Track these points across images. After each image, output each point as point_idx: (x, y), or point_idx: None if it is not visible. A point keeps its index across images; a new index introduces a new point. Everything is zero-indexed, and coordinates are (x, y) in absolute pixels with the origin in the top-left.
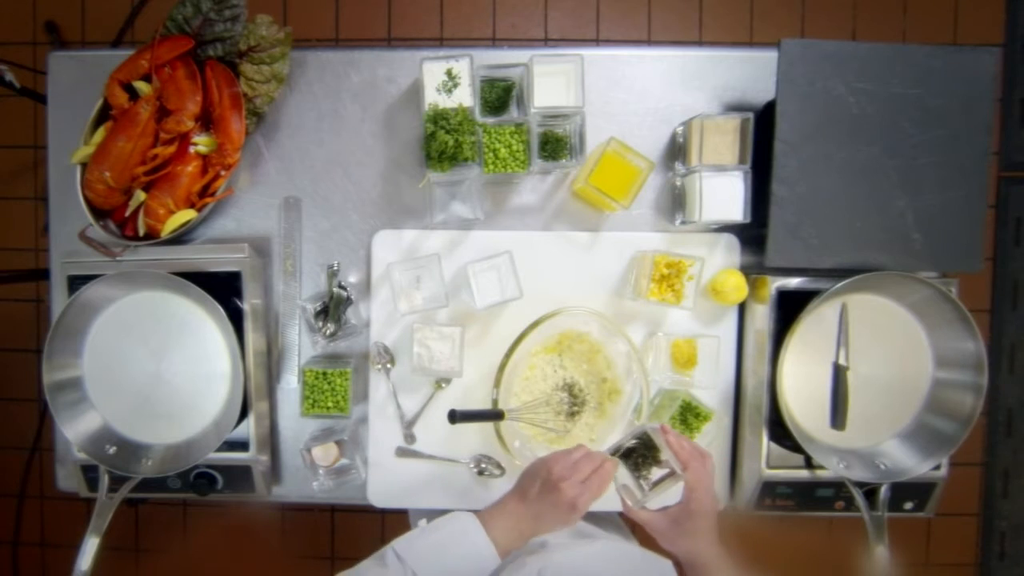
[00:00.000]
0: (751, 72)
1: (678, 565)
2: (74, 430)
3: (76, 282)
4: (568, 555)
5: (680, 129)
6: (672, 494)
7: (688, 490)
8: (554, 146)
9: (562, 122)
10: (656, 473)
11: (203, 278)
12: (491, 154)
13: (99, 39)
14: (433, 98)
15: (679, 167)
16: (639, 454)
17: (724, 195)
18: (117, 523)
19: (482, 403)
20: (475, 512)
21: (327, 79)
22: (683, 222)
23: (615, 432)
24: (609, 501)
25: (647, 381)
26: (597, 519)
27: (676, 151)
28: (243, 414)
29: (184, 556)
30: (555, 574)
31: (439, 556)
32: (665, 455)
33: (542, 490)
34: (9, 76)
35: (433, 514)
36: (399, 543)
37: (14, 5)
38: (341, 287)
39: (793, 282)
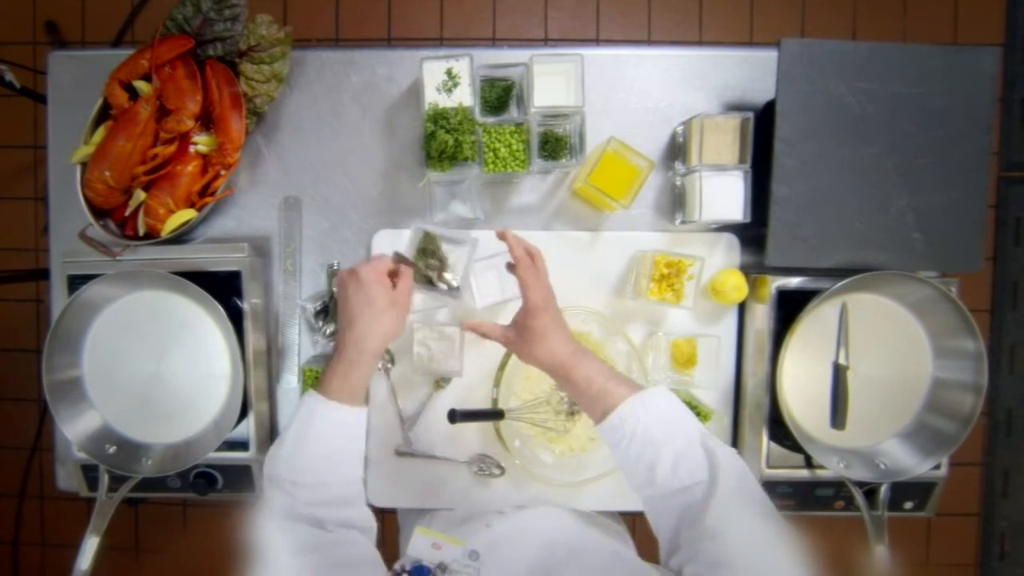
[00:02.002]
0: (751, 72)
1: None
2: (74, 430)
3: (76, 282)
4: (519, 514)
5: (680, 129)
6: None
7: (522, 290)
8: (554, 146)
9: (562, 122)
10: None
11: (203, 278)
12: (491, 154)
13: (99, 39)
14: (433, 98)
15: (679, 167)
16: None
17: (724, 195)
18: (117, 523)
19: (482, 403)
20: (312, 389)
21: (327, 79)
22: (683, 222)
23: None
24: (610, 500)
25: (647, 380)
26: (595, 521)
27: (676, 151)
28: (243, 414)
29: (184, 556)
30: (500, 527)
31: (305, 450)
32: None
33: (358, 301)
34: (9, 76)
35: (419, 515)
36: (265, 464)
37: (14, 5)
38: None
39: (793, 282)
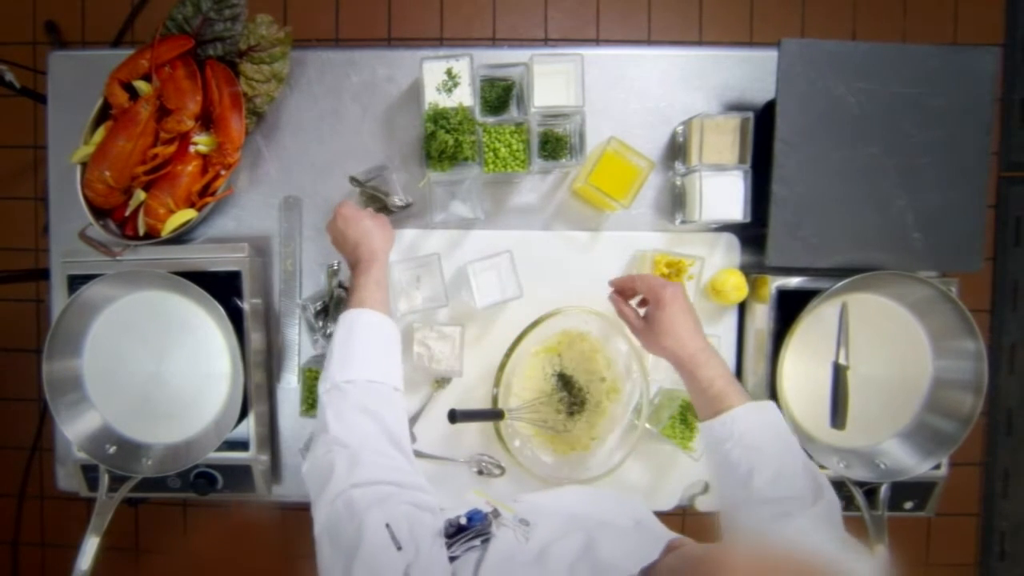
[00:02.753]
0: (751, 72)
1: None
2: (74, 430)
3: (76, 282)
4: (539, 494)
5: (680, 129)
6: None
7: (652, 288)
8: (554, 146)
9: (562, 121)
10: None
11: (203, 278)
12: (491, 154)
13: (99, 39)
14: (433, 98)
15: (679, 167)
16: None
17: (724, 195)
18: (117, 523)
19: (482, 403)
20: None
21: (327, 79)
22: (683, 222)
23: (615, 431)
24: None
25: (647, 380)
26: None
27: (676, 151)
28: (243, 414)
29: (184, 556)
30: (526, 503)
31: (353, 354)
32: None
33: (355, 227)
34: (9, 76)
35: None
36: (320, 384)
37: (14, 5)
38: (341, 287)
39: (793, 282)
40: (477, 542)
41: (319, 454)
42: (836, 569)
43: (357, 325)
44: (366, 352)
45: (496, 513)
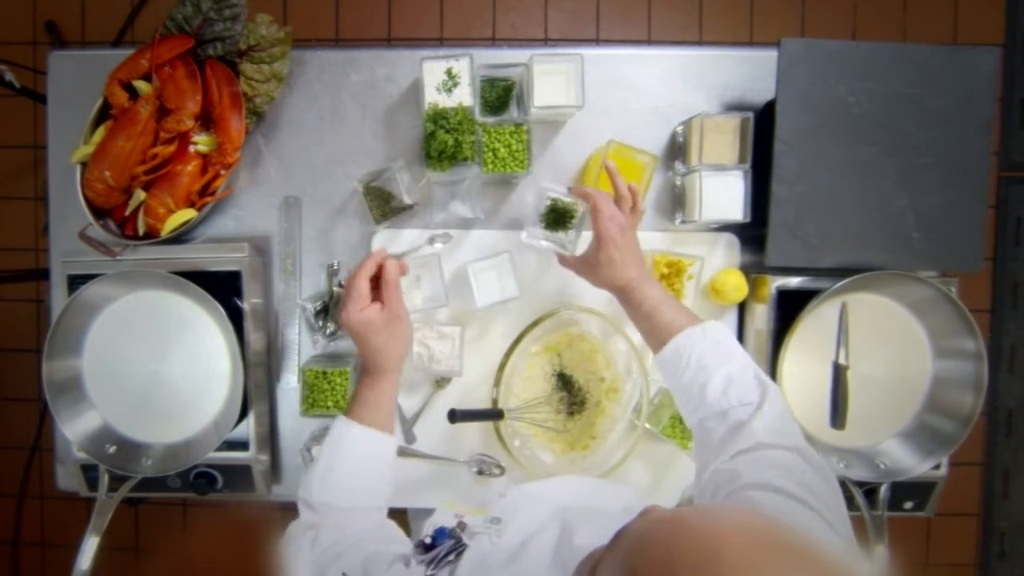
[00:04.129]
0: (751, 72)
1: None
2: (74, 430)
3: (76, 282)
4: (530, 484)
5: (680, 129)
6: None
7: (592, 222)
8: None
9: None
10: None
11: (203, 277)
12: (491, 154)
13: (99, 39)
14: (433, 98)
15: (679, 166)
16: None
17: (724, 194)
18: (117, 523)
19: (482, 403)
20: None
21: (327, 79)
22: (683, 221)
23: (615, 431)
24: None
25: (647, 380)
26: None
27: (676, 151)
28: (243, 414)
29: (184, 556)
30: (513, 496)
31: (335, 474)
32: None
33: (357, 323)
34: (9, 76)
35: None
36: (299, 489)
37: (14, 5)
38: (341, 287)
39: (793, 282)
40: (451, 557)
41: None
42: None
43: (346, 441)
44: (351, 476)
45: (462, 525)
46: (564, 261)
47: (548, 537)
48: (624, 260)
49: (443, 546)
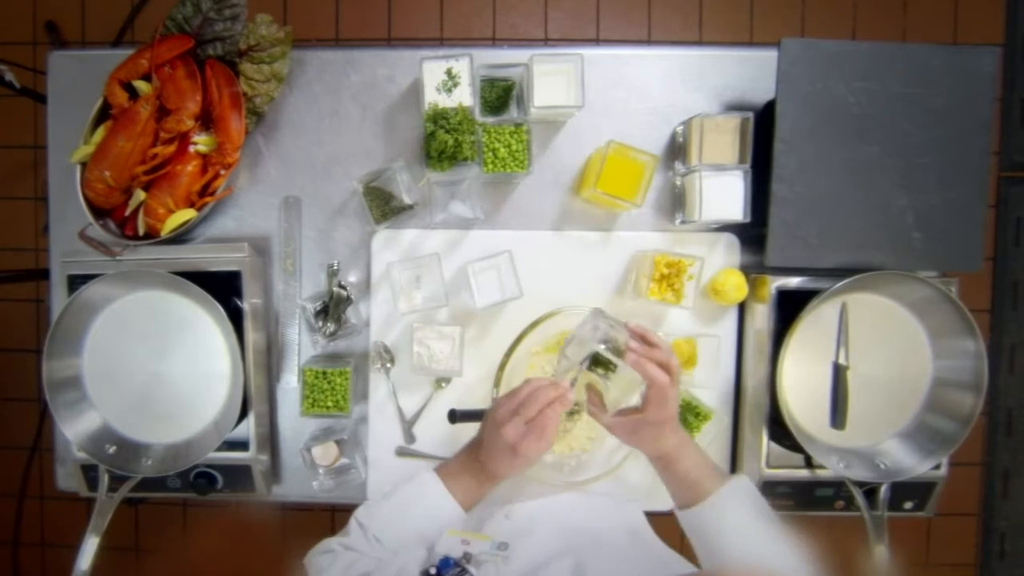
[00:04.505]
0: (751, 72)
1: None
2: (74, 430)
3: (76, 282)
4: (533, 502)
5: (680, 129)
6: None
7: (646, 402)
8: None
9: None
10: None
11: (203, 277)
12: (491, 154)
13: (99, 39)
14: (433, 98)
15: (679, 166)
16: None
17: (724, 195)
18: (117, 523)
19: (482, 403)
20: (437, 468)
21: (327, 79)
22: (683, 221)
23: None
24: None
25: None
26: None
27: (676, 151)
28: (243, 414)
29: (184, 556)
30: (518, 517)
31: (400, 518)
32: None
33: (489, 434)
34: (9, 76)
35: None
36: (360, 510)
37: (14, 5)
38: (341, 287)
39: (793, 282)
40: None
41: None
42: None
43: (427, 497)
44: (413, 527)
45: (467, 556)
46: (597, 417)
47: (558, 571)
48: (670, 429)
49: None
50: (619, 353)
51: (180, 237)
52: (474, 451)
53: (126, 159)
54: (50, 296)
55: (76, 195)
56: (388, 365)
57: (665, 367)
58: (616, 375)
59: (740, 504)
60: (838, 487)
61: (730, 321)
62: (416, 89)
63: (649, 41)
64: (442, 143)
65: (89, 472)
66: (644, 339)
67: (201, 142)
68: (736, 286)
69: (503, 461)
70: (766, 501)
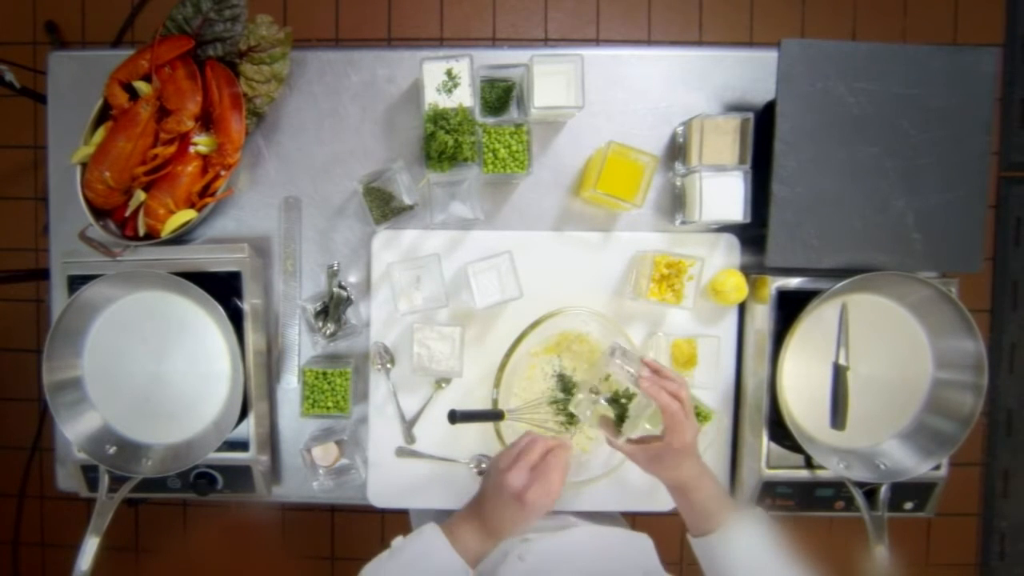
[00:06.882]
0: (751, 72)
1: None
2: (74, 430)
3: (76, 282)
4: (546, 542)
5: (680, 129)
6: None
7: (667, 431)
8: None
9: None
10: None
11: (203, 278)
12: (491, 154)
13: (99, 39)
14: (433, 98)
15: (679, 167)
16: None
17: (724, 195)
18: (117, 523)
19: (482, 403)
20: (443, 524)
21: (327, 79)
22: (683, 222)
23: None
24: (610, 501)
25: None
26: (615, 530)
27: (676, 151)
28: (243, 414)
29: (184, 556)
30: (533, 558)
31: None
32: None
33: (493, 487)
34: (9, 76)
35: (436, 514)
36: (368, 569)
37: (14, 5)
38: (341, 287)
39: (793, 282)
40: None
41: None
42: None
43: (433, 557)
44: None
45: None
46: (616, 446)
47: None
48: (689, 459)
49: None
50: (635, 384)
51: (180, 238)
52: (478, 504)
53: (126, 160)
54: (50, 296)
55: (76, 195)
56: (388, 366)
57: (675, 396)
58: (632, 404)
59: (753, 536)
60: (838, 487)
61: (730, 321)
62: (416, 90)
63: (649, 41)
64: (442, 144)
65: (89, 472)
66: (658, 372)
67: (201, 143)
68: (736, 287)
69: (507, 513)
70: (780, 535)
